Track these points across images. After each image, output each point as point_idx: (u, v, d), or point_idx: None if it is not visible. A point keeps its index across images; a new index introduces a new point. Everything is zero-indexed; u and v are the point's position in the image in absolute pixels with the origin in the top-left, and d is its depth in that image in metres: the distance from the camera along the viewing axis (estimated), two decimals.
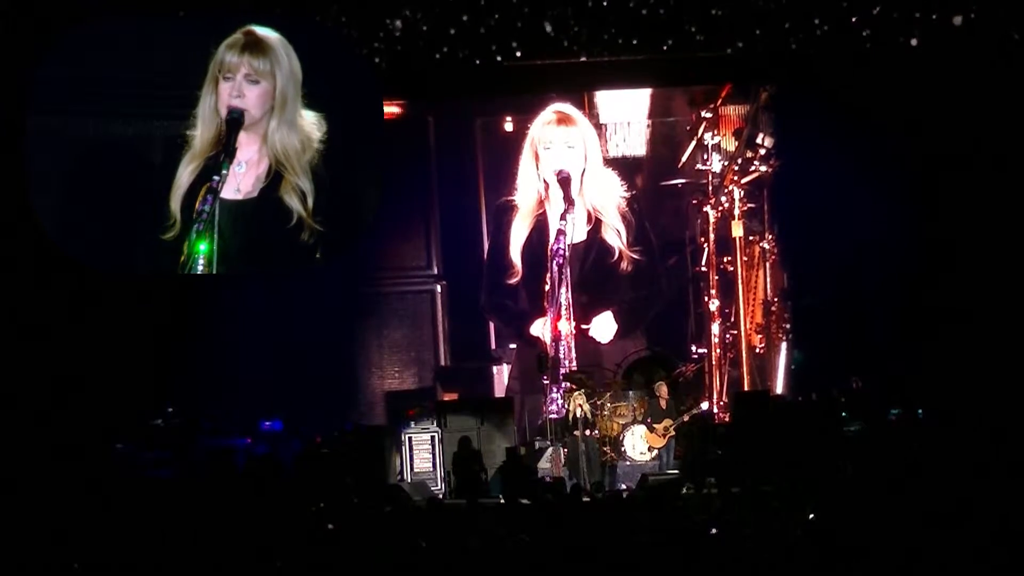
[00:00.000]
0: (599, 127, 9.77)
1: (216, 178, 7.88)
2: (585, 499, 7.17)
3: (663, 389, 8.07)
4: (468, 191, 10.37)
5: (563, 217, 8.29)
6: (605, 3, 8.38)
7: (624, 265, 8.58)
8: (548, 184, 8.57)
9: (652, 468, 7.95)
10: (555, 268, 8.18)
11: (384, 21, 8.38)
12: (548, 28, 8.35)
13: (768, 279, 9.81)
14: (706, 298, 9.51)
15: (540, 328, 8.44)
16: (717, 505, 6.93)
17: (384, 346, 10.34)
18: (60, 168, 8.29)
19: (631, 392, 8.12)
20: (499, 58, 8.41)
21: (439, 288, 10.35)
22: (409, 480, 7.92)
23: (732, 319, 9.58)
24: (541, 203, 8.64)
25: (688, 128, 9.90)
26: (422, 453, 7.96)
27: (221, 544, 6.69)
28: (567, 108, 8.62)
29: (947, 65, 8.46)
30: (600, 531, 6.61)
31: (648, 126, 10.31)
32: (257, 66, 7.93)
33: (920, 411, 7.87)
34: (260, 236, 8.08)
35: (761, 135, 9.62)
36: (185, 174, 8.01)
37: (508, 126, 10.17)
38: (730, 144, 9.77)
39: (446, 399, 9.51)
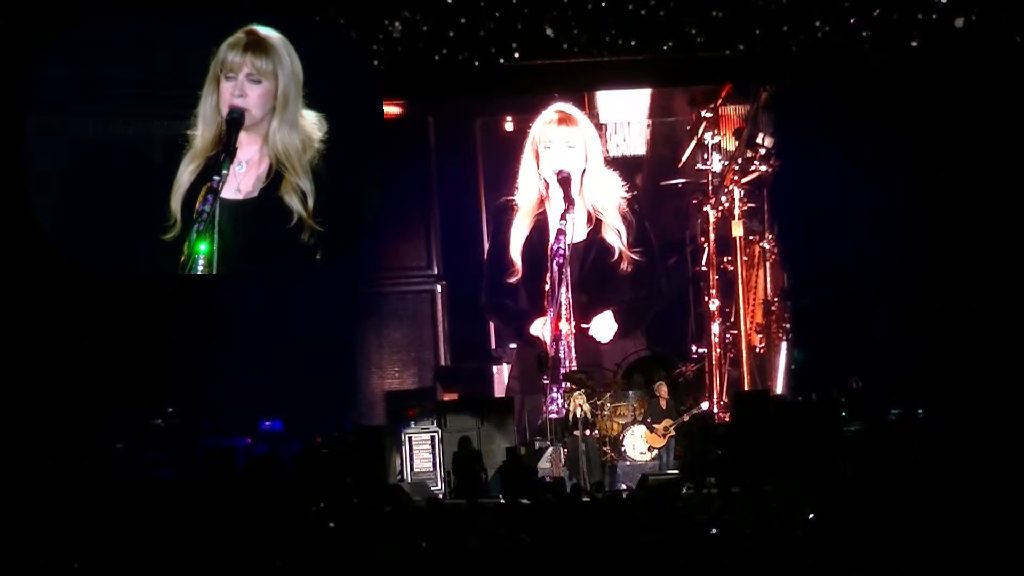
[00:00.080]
0: (599, 127, 9.77)
1: (216, 178, 7.88)
2: (585, 499, 7.17)
3: (663, 389, 8.07)
4: (468, 191, 10.37)
5: (563, 217, 8.29)
6: (604, 3, 8.38)
7: (624, 265, 8.58)
8: (548, 184, 8.57)
9: (652, 468, 7.95)
10: (555, 268, 8.18)
11: (382, 22, 8.38)
12: (549, 32, 8.34)
13: (768, 279, 9.81)
14: (706, 298, 9.51)
15: (540, 328, 8.44)
16: (717, 505, 6.93)
17: (384, 346, 10.34)
18: (60, 168, 8.29)
19: (631, 392, 8.12)
20: (500, 59, 8.40)
21: (439, 288, 10.35)
22: (409, 480, 7.92)
23: (732, 319, 9.58)
24: (541, 203, 8.64)
25: (688, 128, 9.90)
26: (422, 453, 7.96)
27: (221, 544, 6.69)
28: (568, 108, 8.62)
29: (947, 65, 8.45)
30: (600, 531, 6.61)
31: (648, 126, 10.32)
32: (260, 65, 7.93)
33: (920, 411, 7.87)
34: (260, 236, 8.08)
35: (761, 135, 9.63)
36: (186, 174, 8.01)
37: (508, 126, 10.17)
38: (730, 144, 9.78)
39: (446, 399, 9.52)
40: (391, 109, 9.77)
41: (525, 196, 8.67)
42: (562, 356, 8.12)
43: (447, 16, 8.38)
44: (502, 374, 9.52)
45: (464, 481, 7.80)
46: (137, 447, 8.11)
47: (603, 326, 8.54)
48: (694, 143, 9.71)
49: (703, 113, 9.66)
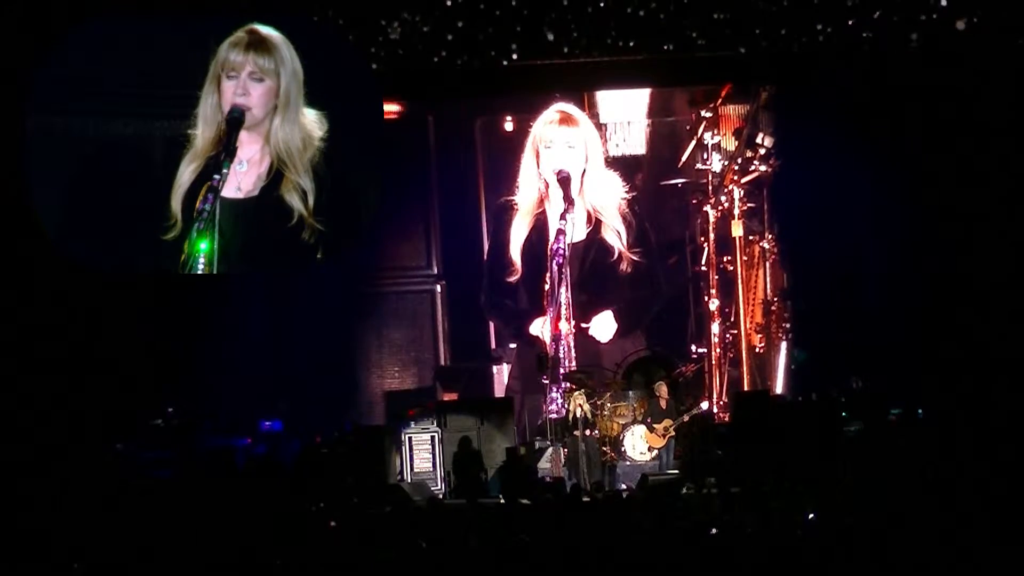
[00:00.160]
0: (599, 127, 9.77)
1: (217, 177, 7.88)
2: (585, 499, 7.17)
3: (663, 389, 8.07)
4: (468, 191, 10.38)
5: (563, 217, 8.28)
6: (602, 4, 8.38)
7: (624, 266, 8.58)
8: (548, 183, 8.57)
9: (652, 468, 7.94)
10: (555, 267, 8.17)
11: (380, 22, 8.38)
12: (550, 37, 8.34)
13: (768, 279, 9.81)
14: (706, 298, 9.52)
15: (540, 327, 8.44)
16: (717, 505, 6.93)
17: (384, 346, 10.35)
18: (60, 168, 8.28)
19: (631, 392, 8.12)
20: (501, 61, 8.40)
21: (439, 288, 10.36)
22: (409, 480, 7.92)
23: (732, 319, 9.59)
24: (541, 203, 8.64)
25: (688, 128, 9.91)
26: (422, 453, 7.96)
27: (221, 544, 6.69)
28: (570, 108, 8.62)
29: (948, 65, 8.45)
30: (600, 531, 6.62)
31: (648, 126, 10.32)
32: (262, 64, 7.94)
33: (920, 411, 7.87)
34: (261, 235, 8.08)
35: (761, 135, 9.63)
36: (186, 174, 8.01)
37: (508, 126, 10.18)
38: (730, 144, 9.78)
39: (446, 399, 9.52)
40: (391, 108, 9.77)
41: (525, 196, 8.67)
42: (562, 356, 8.12)
43: (446, 18, 8.37)
44: (502, 374, 9.52)
45: (464, 481, 7.80)
46: (137, 447, 8.11)
47: (603, 326, 8.54)
48: (694, 143, 9.71)
49: (703, 113, 9.67)
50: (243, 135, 8.00)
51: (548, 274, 8.22)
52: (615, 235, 8.58)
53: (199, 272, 7.93)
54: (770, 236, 9.76)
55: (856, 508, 6.72)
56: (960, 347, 8.78)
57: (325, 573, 6.57)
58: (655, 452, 8.01)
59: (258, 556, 6.62)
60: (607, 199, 8.61)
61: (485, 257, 8.97)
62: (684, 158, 9.84)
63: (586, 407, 7.88)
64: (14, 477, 7.56)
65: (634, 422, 8.03)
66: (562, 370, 8.05)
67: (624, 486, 7.86)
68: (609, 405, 8.05)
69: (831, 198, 9.44)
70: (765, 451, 7.49)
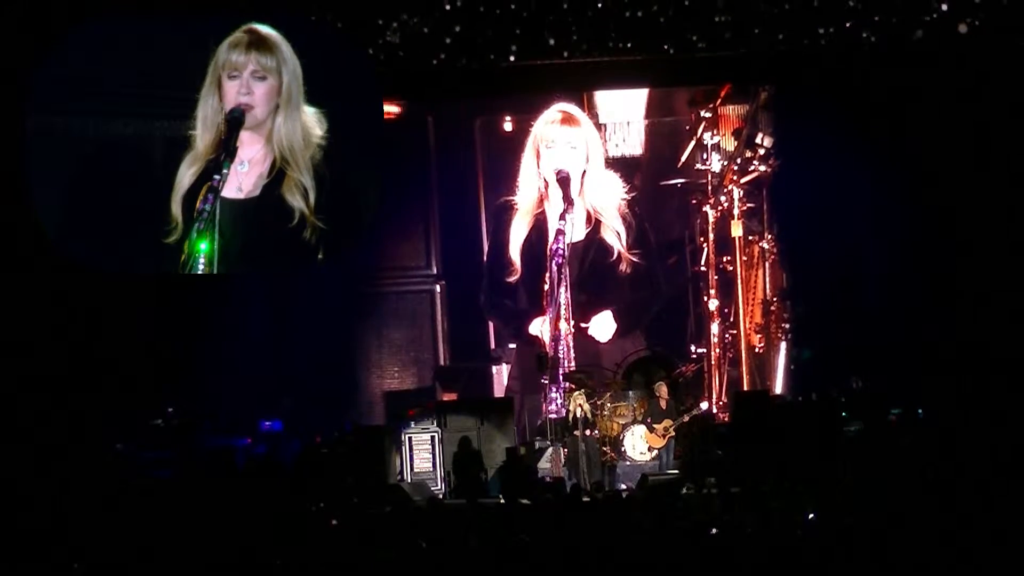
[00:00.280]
0: (598, 127, 9.78)
1: (217, 177, 7.88)
2: (585, 499, 7.17)
3: (663, 389, 8.06)
4: (468, 191, 10.38)
5: (562, 217, 8.28)
6: (600, 4, 8.38)
7: (623, 266, 8.58)
8: (548, 183, 8.57)
9: (652, 468, 7.94)
10: (554, 268, 8.18)
11: (379, 23, 8.37)
12: (551, 42, 8.34)
13: (767, 279, 9.81)
14: (705, 298, 9.51)
15: (539, 327, 8.44)
16: (717, 505, 6.93)
17: (384, 346, 10.35)
18: (60, 168, 8.28)
19: (631, 392, 8.12)
20: (500, 63, 8.40)
21: (438, 288, 10.36)
22: (409, 480, 7.92)
23: (731, 319, 9.59)
24: (541, 202, 8.64)
25: (687, 128, 9.91)
26: (422, 453, 7.96)
27: (221, 544, 6.69)
28: (571, 108, 8.62)
29: (948, 65, 8.45)
30: (600, 531, 6.62)
31: (647, 126, 10.32)
32: (264, 62, 7.94)
33: (920, 411, 7.88)
34: (261, 236, 8.08)
35: (760, 135, 9.64)
36: (187, 176, 8.01)
37: (508, 126, 10.18)
38: (729, 144, 9.78)
39: (446, 399, 9.52)
40: (390, 109, 9.77)
41: (525, 196, 8.67)
42: (561, 356, 8.12)
43: (445, 18, 8.37)
44: (502, 374, 9.52)
45: (464, 481, 7.80)
46: (137, 447, 8.11)
47: (602, 326, 8.54)
48: (693, 143, 9.72)
49: (702, 113, 9.67)
50: (244, 135, 8.00)
51: (547, 274, 8.22)
52: (615, 235, 8.58)
53: (199, 272, 7.93)
54: (770, 236, 9.76)
55: (856, 508, 6.72)
56: (960, 347, 8.78)
57: (325, 573, 6.56)
58: (655, 452, 8.01)
59: (258, 556, 6.62)
60: (607, 199, 8.61)
61: (485, 257, 8.97)
62: (684, 158, 9.84)
63: (586, 407, 7.88)
64: (14, 477, 7.55)
65: (634, 422, 8.03)
66: (562, 370, 8.05)
67: (624, 486, 7.86)
68: (609, 405, 8.04)
69: (831, 198, 9.44)
70: (765, 451, 7.49)
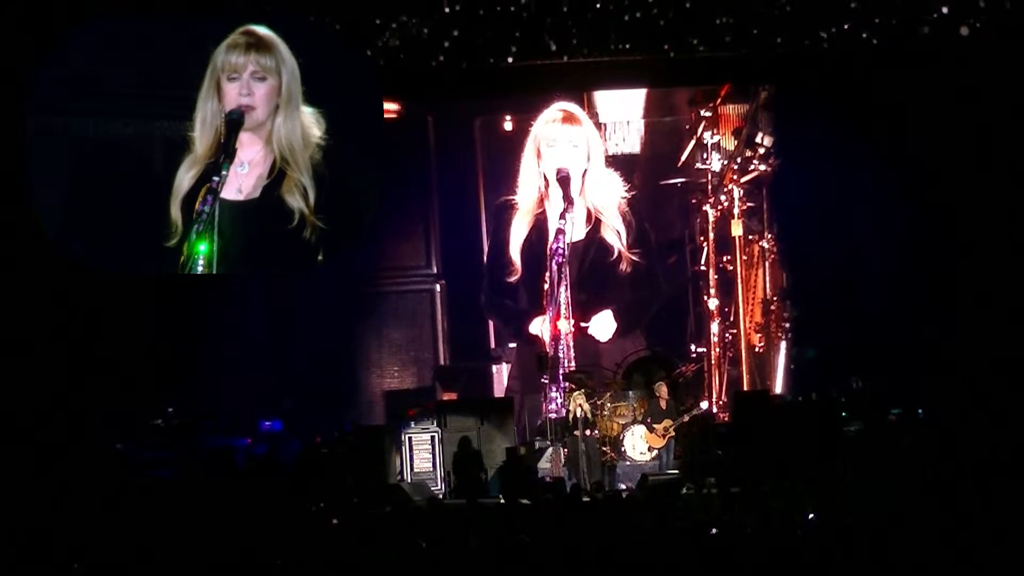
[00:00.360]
0: (598, 126, 9.78)
1: (216, 178, 7.88)
2: (585, 499, 7.17)
3: (663, 389, 8.06)
4: (468, 191, 10.38)
5: (562, 216, 8.28)
6: (598, 5, 8.37)
7: (623, 266, 8.58)
8: (548, 182, 8.57)
9: (652, 468, 7.94)
10: (554, 267, 8.17)
11: (377, 23, 8.37)
12: (553, 47, 8.34)
13: (767, 278, 9.81)
14: (705, 297, 9.51)
15: (539, 326, 8.44)
16: (717, 505, 6.93)
17: (384, 346, 10.35)
18: (60, 168, 8.28)
19: (631, 392, 8.12)
20: (499, 61, 8.40)
21: (438, 288, 10.36)
22: (409, 480, 7.92)
23: (731, 318, 9.59)
24: (541, 202, 8.64)
25: (687, 127, 9.91)
26: (422, 453, 7.96)
27: (221, 544, 6.69)
28: (572, 107, 8.62)
29: (949, 65, 8.45)
30: (600, 531, 6.62)
31: (647, 125, 10.32)
32: (264, 63, 7.95)
33: (920, 411, 7.88)
34: (261, 237, 8.08)
35: (760, 134, 9.63)
36: (186, 179, 8.01)
37: (508, 125, 10.19)
38: (729, 143, 9.78)
39: (446, 399, 9.52)
40: (391, 108, 9.78)
41: (525, 195, 8.67)
42: (561, 356, 8.12)
43: (445, 19, 8.37)
44: (502, 374, 9.52)
45: (464, 481, 7.80)
46: (137, 447, 8.11)
47: (602, 325, 8.54)
48: (693, 142, 9.71)
49: (702, 112, 9.67)
50: (244, 137, 8.00)
51: (547, 273, 8.22)
52: (615, 235, 8.58)
53: (198, 272, 7.92)
54: (769, 236, 9.76)
55: (856, 508, 6.72)
56: (960, 347, 8.78)
57: (325, 573, 6.56)
58: (655, 452, 8.01)
59: (258, 556, 6.62)
60: (607, 198, 8.61)
61: (485, 257, 8.97)
62: (683, 158, 9.84)
63: (586, 407, 7.88)
64: (14, 477, 7.55)
65: (634, 422, 8.03)
66: (562, 370, 8.05)
67: (624, 486, 7.86)
68: (609, 405, 8.04)
69: (831, 198, 9.44)
70: (765, 451, 7.49)
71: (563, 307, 8.17)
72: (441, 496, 7.73)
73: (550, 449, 7.89)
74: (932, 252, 9.03)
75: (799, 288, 9.79)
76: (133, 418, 8.46)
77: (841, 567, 6.43)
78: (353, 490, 7.45)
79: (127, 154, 8.28)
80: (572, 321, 8.24)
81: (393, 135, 9.09)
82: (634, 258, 8.58)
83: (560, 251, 8.18)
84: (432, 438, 7.97)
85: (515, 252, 8.65)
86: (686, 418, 7.99)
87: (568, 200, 8.37)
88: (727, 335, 9.49)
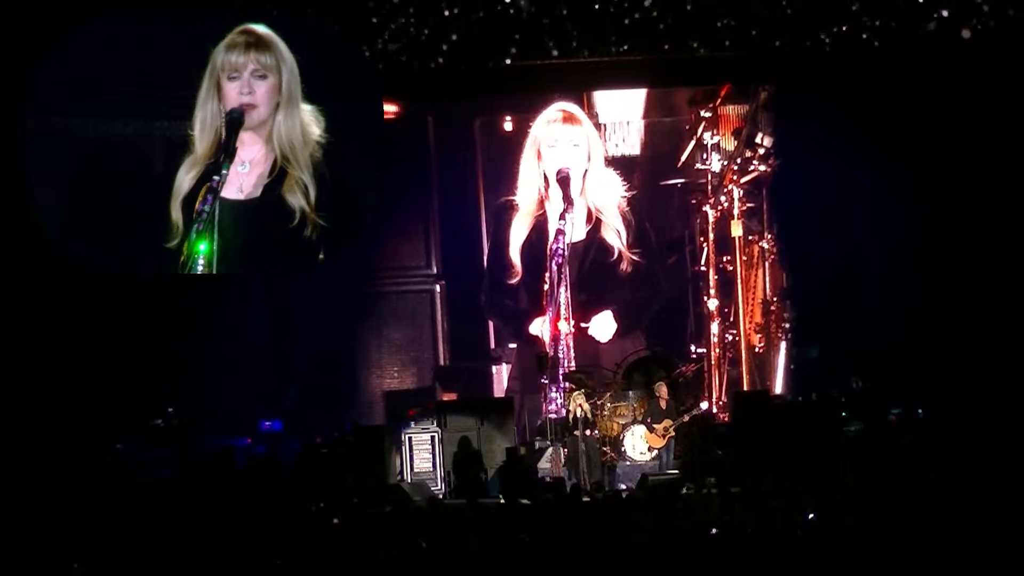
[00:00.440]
0: (598, 127, 9.78)
1: (216, 178, 7.88)
2: (585, 499, 7.17)
3: (663, 389, 8.06)
4: (468, 191, 10.38)
5: (562, 217, 8.28)
6: (597, 6, 8.37)
7: (624, 265, 8.58)
8: (549, 183, 8.57)
9: (652, 468, 7.94)
10: (554, 267, 8.17)
11: (372, 20, 8.37)
12: (555, 53, 8.34)
13: (767, 279, 9.81)
14: (705, 298, 9.51)
15: (539, 327, 8.45)
16: (717, 505, 6.93)
17: (384, 346, 10.35)
18: (60, 168, 8.28)
19: (631, 392, 8.12)
20: (499, 61, 8.40)
21: (438, 288, 10.37)
22: (409, 480, 7.92)
23: (731, 319, 9.59)
24: (542, 203, 8.64)
25: (687, 127, 9.91)
26: (422, 453, 7.96)
27: (221, 544, 6.69)
28: (571, 107, 8.62)
29: (949, 65, 8.45)
30: (600, 531, 6.62)
31: (647, 125, 10.33)
32: (264, 61, 7.95)
33: (920, 411, 7.88)
34: (262, 236, 8.08)
35: (760, 134, 9.63)
36: (186, 180, 8.01)
37: (508, 126, 10.19)
38: (729, 143, 9.78)
39: (446, 399, 9.52)
40: (390, 108, 9.78)
41: (525, 196, 8.67)
42: (561, 356, 8.12)
43: (445, 19, 8.37)
44: (502, 374, 9.53)
45: (464, 481, 7.80)
46: (137, 447, 8.11)
47: (602, 325, 8.54)
48: (693, 143, 9.71)
49: (702, 113, 9.67)
50: (245, 136, 8.01)
51: (547, 274, 8.22)
52: (615, 234, 8.58)
53: (198, 272, 7.93)
54: (769, 236, 9.76)
55: (856, 508, 6.72)
56: (960, 347, 8.78)
57: (325, 573, 6.56)
58: (655, 452, 8.01)
59: (258, 556, 6.62)
60: (608, 197, 8.62)
61: (485, 257, 8.97)
62: (683, 158, 9.84)
63: (586, 407, 7.88)
64: (14, 477, 7.55)
65: (634, 422, 8.03)
66: (562, 370, 8.05)
67: (624, 486, 7.86)
68: (609, 405, 8.04)
69: (831, 198, 9.44)
70: (765, 451, 7.49)
71: (563, 307, 8.17)
72: (441, 496, 7.72)
73: (550, 449, 7.89)
74: (932, 252, 9.03)
75: (799, 288, 9.79)
76: (133, 418, 8.46)
77: (841, 567, 6.43)
78: (353, 490, 7.44)
79: (127, 154, 8.28)
80: (572, 321, 8.24)
81: (393, 135, 9.09)
82: (634, 257, 8.58)
83: (560, 251, 8.18)
84: (432, 438, 7.97)
85: (515, 253, 8.65)
86: (686, 418, 7.99)
87: (568, 201, 8.37)
88: (727, 335, 9.49)
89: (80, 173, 8.29)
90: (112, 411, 8.55)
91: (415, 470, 7.96)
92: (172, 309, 9.23)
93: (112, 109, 8.27)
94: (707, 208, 9.52)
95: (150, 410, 8.49)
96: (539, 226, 8.61)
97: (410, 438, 7.98)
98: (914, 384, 8.73)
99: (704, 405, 8.29)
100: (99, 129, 8.29)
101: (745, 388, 9.39)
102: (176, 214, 8.01)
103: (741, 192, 9.55)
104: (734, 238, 9.56)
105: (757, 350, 9.74)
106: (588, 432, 7.86)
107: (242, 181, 8.07)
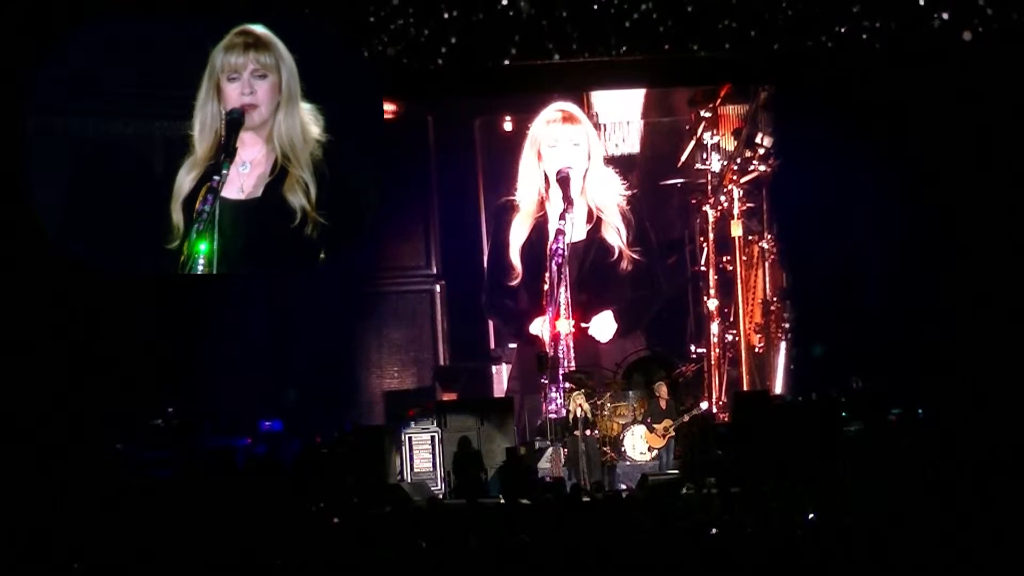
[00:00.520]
0: (598, 127, 9.78)
1: (216, 178, 7.89)
2: (585, 499, 7.17)
3: (663, 389, 8.06)
4: (468, 191, 10.38)
5: (562, 216, 8.29)
6: (596, 6, 8.37)
7: (624, 265, 8.58)
8: (549, 183, 8.57)
9: (652, 468, 7.94)
10: (554, 267, 8.18)
11: (369, 19, 8.37)
12: (556, 57, 8.34)
13: (767, 279, 9.81)
14: (705, 298, 9.51)
15: (539, 327, 8.44)
16: (717, 505, 6.93)
17: (383, 346, 10.35)
18: (60, 168, 8.29)
19: (631, 392, 8.12)
20: (499, 61, 8.40)
21: (438, 288, 10.36)
22: (409, 480, 7.92)
23: (731, 319, 9.58)
24: (542, 203, 8.64)
25: (687, 127, 9.90)
26: (422, 453, 7.96)
27: (221, 544, 6.69)
28: (570, 106, 8.62)
29: (949, 65, 8.46)
30: (600, 531, 6.62)
31: (647, 125, 10.33)
32: (264, 60, 7.96)
33: (920, 411, 7.88)
34: (263, 236, 8.09)
35: (760, 134, 9.63)
36: (186, 181, 8.02)
37: (508, 126, 10.19)
38: (729, 143, 9.77)
39: (446, 399, 9.52)
40: (390, 108, 9.78)
41: (525, 195, 8.67)
42: (561, 356, 8.12)
43: (445, 19, 8.37)
44: (502, 374, 9.53)
45: (464, 481, 7.80)
46: (137, 447, 8.11)
47: (602, 325, 8.54)
48: (693, 143, 9.71)
49: (702, 113, 9.66)
50: (245, 136, 8.01)
51: (547, 274, 8.22)
52: (615, 234, 8.58)
53: (199, 272, 7.93)
54: (769, 236, 9.76)
55: (856, 508, 6.72)
56: (960, 347, 8.78)
57: (325, 573, 6.56)
58: (655, 452, 8.01)
59: (258, 556, 6.62)
60: (608, 197, 8.62)
61: (485, 258, 8.97)
62: (683, 158, 9.84)
63: (586, 407, 7.88)
64: (14, 477, 7.55)
65: (634, 422, 8.03)
66: (562, 370, 8.05)
67: (624, 486, 7.86)
68: (609, 405, 8.04)
69: (831, 198, 9.43)
70: (765, 451, 7.49)
71: (563, 307, 8.17)
72: (441, 496, 7.73)
73: (550, 449, 7.89)
74: (932, 252, 9.03)
75: (799, 288, 9.79)
76: (133, 418, 8.46)
77: (841, 567, 6.43)
78: (353, 490, 7.45)
79: (127, 154, 8.28)
80: (572, 321, 8.24)
81: (393, 135, 9.09)
82: (635, 256, 8.58)
83: (560, 251, 8.18)
84: (432, 438, 7.97)
85: (515, 253, 8.65)
86: (686, 418, 7.99)
87: (568, 200, 8.37)
88: (727, 335, 9.49)
89: (80, 173, 8.29)
90: (112, 411, 8.55)
91: (415, 470, 7.96)
92: (172, 309, 9.23)
93: (112, 109, 8.27)
94: (707, 208, 9.51)
95: (150, 410, 8.49)
96: (539, 226, 8.61)
97: (410, 438, 7.98)
98: (914, 384, 8.73)
99: (704, 405, 8.29)
100: (99, 129, 8.29)
101: (745, 388, 9.39)
102: (176, 215, 8.01)
103: (741, 192, 9.54)
104: (734, 238, 9.56)
105: (757, 350, 9.74)
106: (588, 432, 7.86)
107: (243, 181, 8.07)
